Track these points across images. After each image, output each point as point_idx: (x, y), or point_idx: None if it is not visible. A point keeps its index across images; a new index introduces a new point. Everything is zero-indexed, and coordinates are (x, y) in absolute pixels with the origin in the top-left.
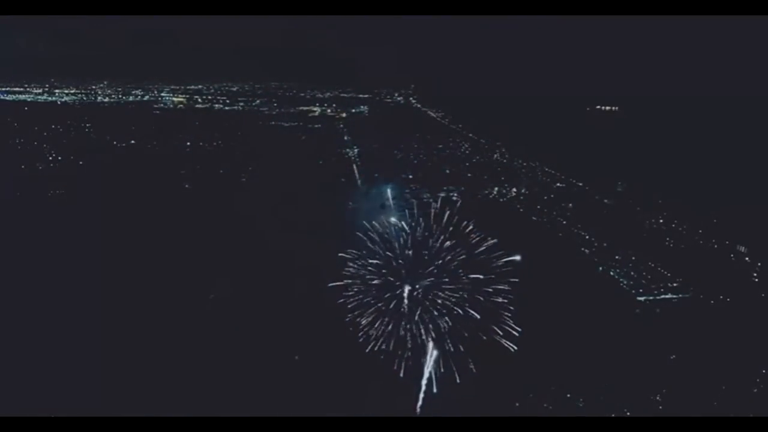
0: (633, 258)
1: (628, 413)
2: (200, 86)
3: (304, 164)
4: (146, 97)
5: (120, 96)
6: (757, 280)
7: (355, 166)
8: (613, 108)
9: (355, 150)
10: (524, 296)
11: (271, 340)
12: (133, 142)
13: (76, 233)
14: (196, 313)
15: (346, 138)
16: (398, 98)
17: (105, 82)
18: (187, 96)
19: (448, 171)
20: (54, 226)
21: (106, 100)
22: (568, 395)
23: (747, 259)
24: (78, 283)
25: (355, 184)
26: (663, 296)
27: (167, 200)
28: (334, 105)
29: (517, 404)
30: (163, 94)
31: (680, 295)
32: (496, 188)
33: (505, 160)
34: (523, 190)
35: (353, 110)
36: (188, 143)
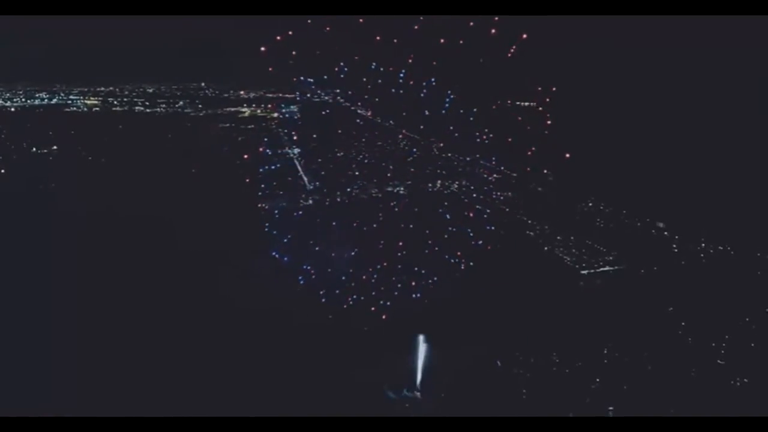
0: (572, 238)
1: (580, 364)
2: (111, 88)
3: (246, 165)
4: (54, 100)
5: (23, 100)
6: (676, 250)
7: (298, 165)
8: (531, 104)
9: (295, 150)
10: (481, 270)
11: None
12: (55, 147)
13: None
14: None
15: (283, 138)
16: (326, 98)
17: None
18: (101, 98)
19: (391, 167)
20: None
21: (8, 104)
22: (533, 360)
23: (666, 233)
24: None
25: (303, 181)
26: (602, 269)
27: (109, 206)
28: (263, 105)
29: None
30: (72, 97)
31: (615, 267)
32: (439, 181)
33: (442, 155)
34: (464, 182)
35: (284, 110)
36: (118, 147)
